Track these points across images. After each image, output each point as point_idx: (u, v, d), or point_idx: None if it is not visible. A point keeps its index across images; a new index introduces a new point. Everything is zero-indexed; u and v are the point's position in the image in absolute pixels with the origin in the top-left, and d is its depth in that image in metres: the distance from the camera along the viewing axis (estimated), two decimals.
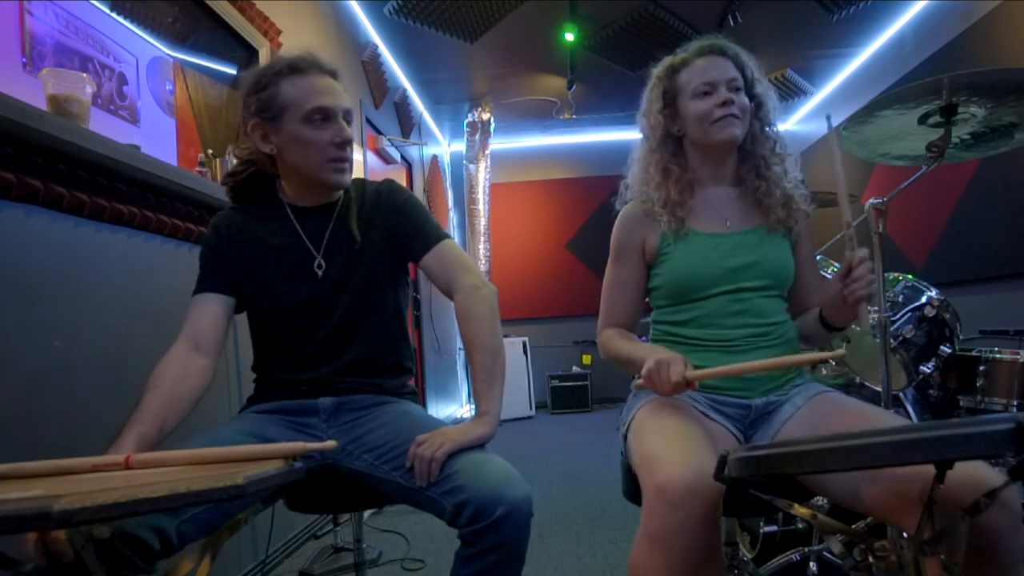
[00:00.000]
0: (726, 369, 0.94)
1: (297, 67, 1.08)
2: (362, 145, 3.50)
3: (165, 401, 0.96)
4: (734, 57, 1.15)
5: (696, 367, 1.06)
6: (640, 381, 0.97)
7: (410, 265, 1.24)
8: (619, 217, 1.22)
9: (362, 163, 3.46)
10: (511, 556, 0.88)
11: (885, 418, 0.93)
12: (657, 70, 1.21)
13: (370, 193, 1.20)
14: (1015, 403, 1.58)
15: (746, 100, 1.13)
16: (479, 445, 0.99)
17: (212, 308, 1.11)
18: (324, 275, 1.13)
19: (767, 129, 1.18)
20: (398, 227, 1.16)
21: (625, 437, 1.05)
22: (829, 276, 1.94)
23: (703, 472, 0.77)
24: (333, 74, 1.12)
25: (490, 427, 1.01)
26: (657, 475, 0.80)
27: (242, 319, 1.20)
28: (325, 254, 1.14)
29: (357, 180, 1.24)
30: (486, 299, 1.10)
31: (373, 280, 1.16)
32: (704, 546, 0.78)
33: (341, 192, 1.19)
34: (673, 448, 0.83)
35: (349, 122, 1.12)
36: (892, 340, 1.65)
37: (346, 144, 1.10)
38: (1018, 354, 1.59)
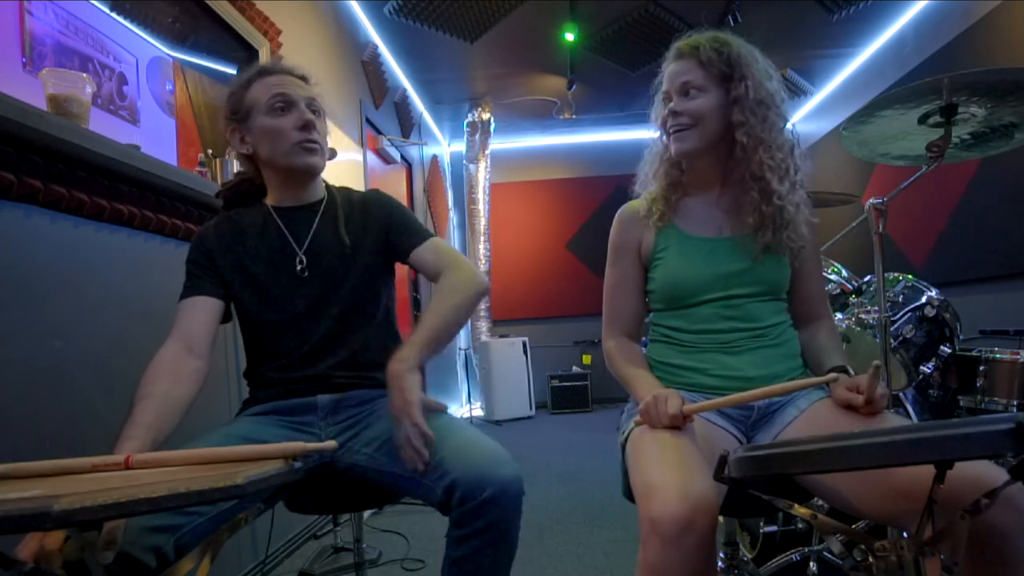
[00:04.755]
0: (721, 401, 0.93)
1: (264, 70, 1.15)
2: (362, 145, 3.50)
3: (158, 409, 0.94)
4: (694, 53, 1.08)
5: (693, 386, 1.09)
6: (638, 417, 0.98)
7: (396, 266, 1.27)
8: (616, 217, 1.21)
9: (362, 163, 3.46)
10: (502, 536, 0.88)
11: (890, 419, 0.93)
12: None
13: (357, 201, 1.24)
14: (1015, 403, 1.58)
15: (700, 103, 1.07)
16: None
17: (203, 311, 1.11)
18: (308, 274, 1.15)
19: (767, 122, 1.06)
20: (389, 227, 1.21)
21: (623, 446, 1.04)
22: (830, 276, 1.94)
23: (699, 504, 0.76)
24: (303, 77, 1.18)
25: (412, 369, 1.00)
26: (652, 508, 0.78)
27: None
28: (307, 251, 1.16)
29: (342, 188, 1.28)
30: (476, 282, 1.14)
31: (365, 283, 1.18)
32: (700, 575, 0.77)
33: (324, 194, 1.23)
34: (669, 477, 0.81)
35: (316, 112, 1.16)
36: (892, 340, 1.66)
37: (308, 126, 1.13)
38: (1018, 354, 1.59)
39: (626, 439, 1.02)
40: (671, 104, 1.10)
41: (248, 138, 1.15)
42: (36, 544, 0.67)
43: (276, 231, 1.17)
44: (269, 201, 1.22)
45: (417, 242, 1.19)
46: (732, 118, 1.07)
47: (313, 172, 1.18)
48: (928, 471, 0.60)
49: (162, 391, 0.97)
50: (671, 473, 0.82)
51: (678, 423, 0.92)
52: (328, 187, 1.26)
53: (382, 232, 1.20)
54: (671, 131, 1.11)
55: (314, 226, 1.18)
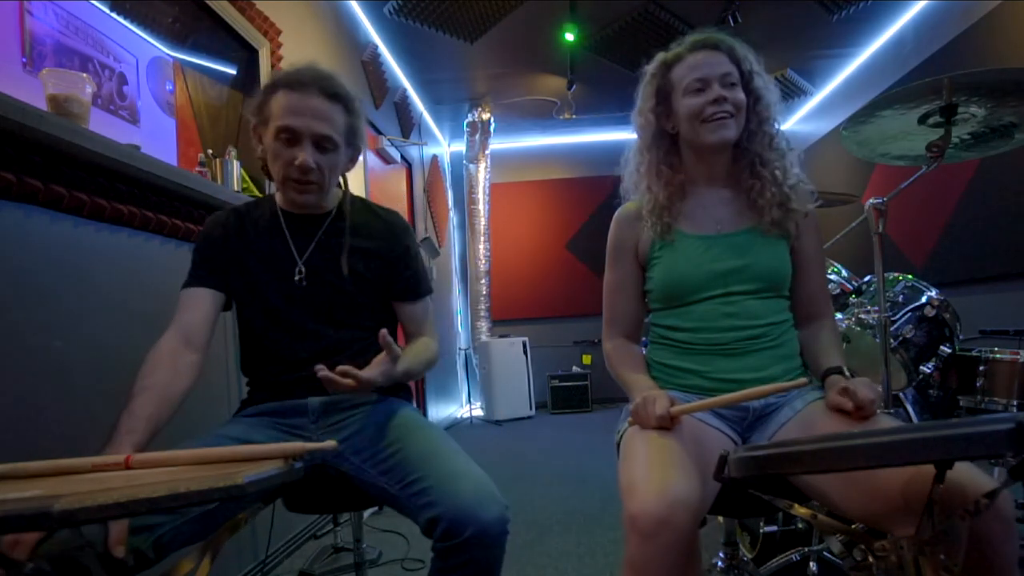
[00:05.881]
0: (709, 403, 0.94)
1: (293, 82, 1.08)
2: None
3: (157, 402, 0.95)
4: (729, 51, 1.11)
5: (689, 387, 1.10)
6: (631, 418, 0.99)
7: None
8: (613, 219, 1.21)
9: (363, 163, 3.46)
10: (482, 573, 0.89)
11: (883, 421, 0.93)
12: (651, 67, 1.19)
13: (376, 215, 1.22)
14: (1015, 403, 1.58)
15: (741, 96, 1.10)
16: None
17: (204, 302, 1.11)
18: (306, 284, 1.15)
19: (765, 125, 1.14)
20: (397, 265, 1.21)
21: (618, 446, 1.05)
22: (830, 276, 1.94)
23: (676, 503, 0.77)
24: (334, 96, 1.09)
25: (380, 379, 0.99)
26: (631, 505, 0.80)
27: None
28: (307, 262, 1.15)
29: (358, 199, 1.26)
30: (437, 351, 1.23)
31: (363, 294, 1.18)
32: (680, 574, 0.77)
33: (335, 205, 1.21)
34: (650, 476, 0.82)
35: (326, 148, 1.09)
36: (892, 340, 1.66)
37: (301, 169, 1.08)
38: (1018, 354, 1.59)
39: (620, 439, 1.03)
40: (715, 91, 1.08)
41: (264, 141, 1.12)
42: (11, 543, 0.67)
43: (280, 235, 1.16)
44: (279, 201, 1.20)
45: (412, 297, 1.23)
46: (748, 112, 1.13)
47: (306, 207, 1.17)
48: (924, 475, 0.60)
49: (161, 384, 0.98)
50: (653, 472, 0.83)
51: (666, 424, 0.93)
52: (343, 196, 1.22)
53: (388, 261, 1.20)
54: (714, 118, 1.08)
55: (317, 237, 1.17)
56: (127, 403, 0.94)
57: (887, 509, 0.78)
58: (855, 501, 0.83)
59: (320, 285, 1.15)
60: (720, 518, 1.28)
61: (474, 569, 0.88)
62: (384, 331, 0.97)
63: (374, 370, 0.98)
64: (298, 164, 1.07)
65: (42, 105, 1.18)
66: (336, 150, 1.11)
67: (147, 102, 1.71)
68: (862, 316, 1.76)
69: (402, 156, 4.56)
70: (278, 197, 1.21)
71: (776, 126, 1.15)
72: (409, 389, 1.27)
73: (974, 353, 1.67)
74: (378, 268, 1.19)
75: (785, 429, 1.02)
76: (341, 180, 1.24)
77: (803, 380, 0.93)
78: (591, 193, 5.95)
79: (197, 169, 1.75)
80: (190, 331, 1.07)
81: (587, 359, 5.76)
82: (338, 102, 1.10)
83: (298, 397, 1.13)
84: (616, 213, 1.22)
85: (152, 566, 0.82)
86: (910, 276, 1.82)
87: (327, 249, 1.17)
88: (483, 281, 5.50)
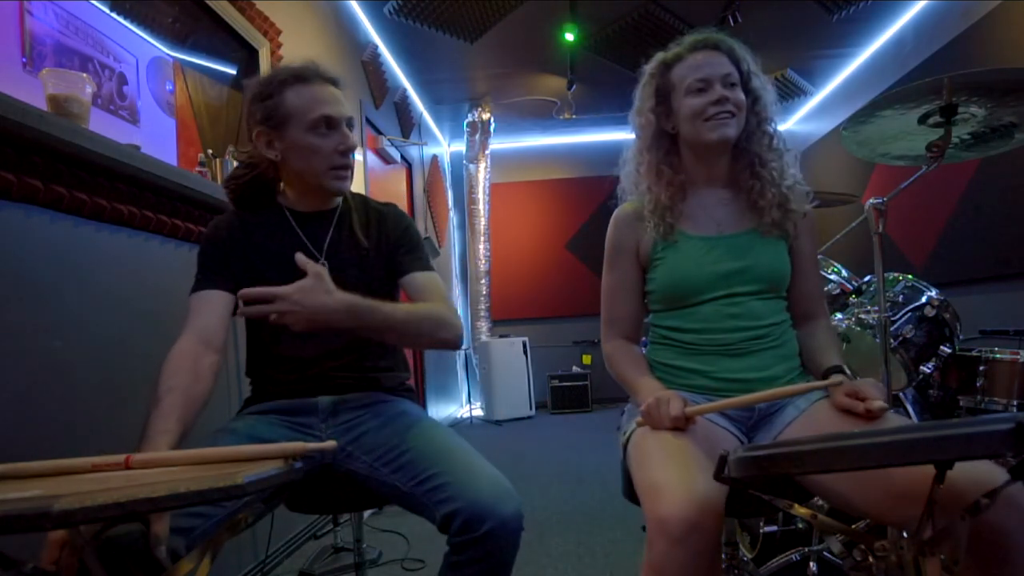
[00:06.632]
0: (723, 403, 0.94)
1: (301, 76, 1.11)
2: (362, 145, 3.50)
3: (184, 403, 0.94)
4: (729, 51, 1.12)
5: (694, 387, 1.09)
6: (640, 419, 0.99)
7: None
8: (612, 220, 1.21)
9: (362, 163, 3.46)
10: (497, 568, 0.89)
11: (891, 420, 0.93)
12: (649, 67, 1.19)
13: (373, 209, 1.24)
14: (1015, 403, 1.58)
15: (742, 96, 1.10)
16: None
17: (217, 305, 1.10)
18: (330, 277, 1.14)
19: (763, 125, 1.15)
20: (400, 243, 1.21)
21: (625, 447, 1.04)
22: (830, 276, 1.94)
23: (705, 506, 0.77)
24: (335, 83, 1.15)
25: (339, 307, 0.96)
26: (659, 507, 0.78)
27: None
28: (328, 256, 1.16)
29: (358, 195, 1.28)
30: (453, 318, 1.12)
31: (376, 288, 1.18)
32: None
33: (340, 199, 1.23)
34: (674, 478, 0.81)
35: (351, 129, 1.16)
36: (892, 340, 1.66)
37: (349, 151, 1.13)
38: (1018, 354, 1.59)
39: (628, 440, 1.02)
40: (717, 91, 1.09)
41: (278, 145, 1.12)
42: (57, 553, 0.67)
43: (292, 235, 1.16)
44: (285, 202, 1.20)
45: (418, 267, 1.20)
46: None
47: (340, 195, 1.20)
48: (928, 471, 0.60)
49: (184, 385, 0.97)
50: (676, 473, 0.82)
51: (680, 425, 0.92)
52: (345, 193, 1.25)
53: (392, 245, 1.21)
54: (716, 117, 1.09)
55: (330, 232, 1.18)
56: (155, 405, 0.92)
57: (904, 508, 0.78)
58: (871, 499, 0.83)
59: (340, 279, 1.15)
60: None
61: (489, 563, 0.88)
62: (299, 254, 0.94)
63: (331, 294, 0.95)
64: (345, 148, 1.12)
65: (42, 105, 1.17)
66: (352, 131, 1.17)
67: (147, 102, 1.71)
68: (862, 316, 1.76)
69: (402, 156, 4.56)
70: (288, 197, 1.21)
71: (774, 126, 1.16)
72: (413, 390, 1.27)
73: (974, 353, 1.67)
74: (384, 252, 1.20)
75: (790, 429, 1.02)
76: None
77: (838, 379, 0.94)
78: (591, 193, 5.95)
79: (197, 169, 1.75)
80: (207, 334, 1.06)
81: (587, 359, 5.76)
82: (338, 87, 1.16)
83: (308, 396, 1.13)
84: (614, 214, 1.21)
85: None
86: (910, 276, 1.82)
87: (340, 244, 1.18)
88: (483, 281, 5.51)
